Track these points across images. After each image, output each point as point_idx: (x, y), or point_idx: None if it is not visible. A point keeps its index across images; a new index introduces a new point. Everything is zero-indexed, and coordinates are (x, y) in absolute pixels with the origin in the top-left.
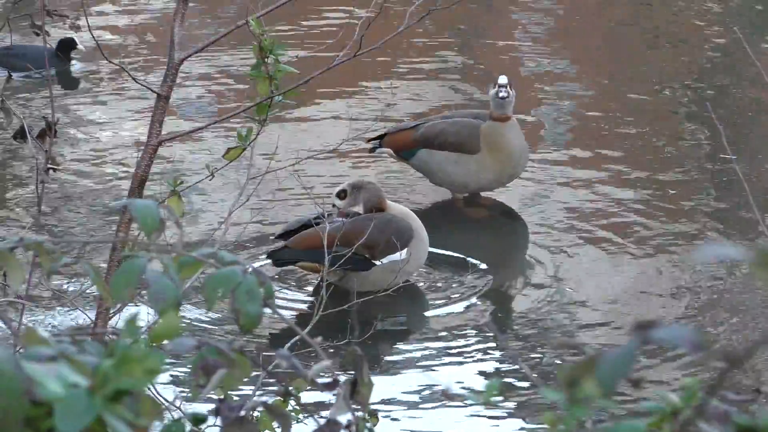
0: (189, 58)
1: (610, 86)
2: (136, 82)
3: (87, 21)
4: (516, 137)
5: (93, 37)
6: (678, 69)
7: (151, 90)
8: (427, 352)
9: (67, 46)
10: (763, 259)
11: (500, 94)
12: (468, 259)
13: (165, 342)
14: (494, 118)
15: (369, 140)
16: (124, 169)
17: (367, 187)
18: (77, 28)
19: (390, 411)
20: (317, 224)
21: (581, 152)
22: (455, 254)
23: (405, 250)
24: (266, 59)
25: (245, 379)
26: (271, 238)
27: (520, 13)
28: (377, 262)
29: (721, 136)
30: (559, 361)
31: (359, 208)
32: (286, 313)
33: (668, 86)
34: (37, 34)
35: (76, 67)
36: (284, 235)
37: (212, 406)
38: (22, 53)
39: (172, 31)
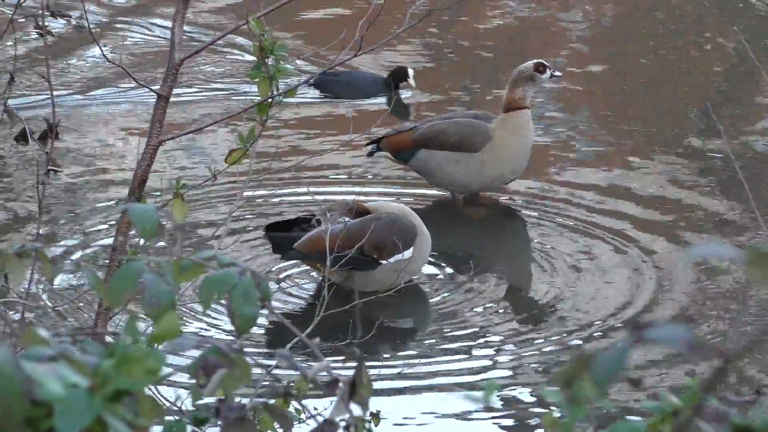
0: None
1: (610, 86)
2: (136, 81)
3: (87, 21)
4: (533, 126)
5: (93, 37)
6: (680, 68)
7: (151, 90)
8: (427, 353)
9: (400, 75)
10: (755, 258)
11: (556, 73)
12: (468, 259)
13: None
14: (519, 107)
15: (367, 144)
16: (124, 169)
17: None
18: (80, 28)
19: (390, 411)
20: (316, 223)
21: (581, 152)
22: (455, 254)
23: (411, 249)
24: (266, 59)
25: (245, 381)
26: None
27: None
28: (384, 262)
29: (722, 137)
30: (559, 361)
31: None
32: (288, 314)
33: (669, 87)
34: (41, 35)
35: (405, 94)
36: (273, 227)
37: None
38: (347, 80)
39: (173, 31)
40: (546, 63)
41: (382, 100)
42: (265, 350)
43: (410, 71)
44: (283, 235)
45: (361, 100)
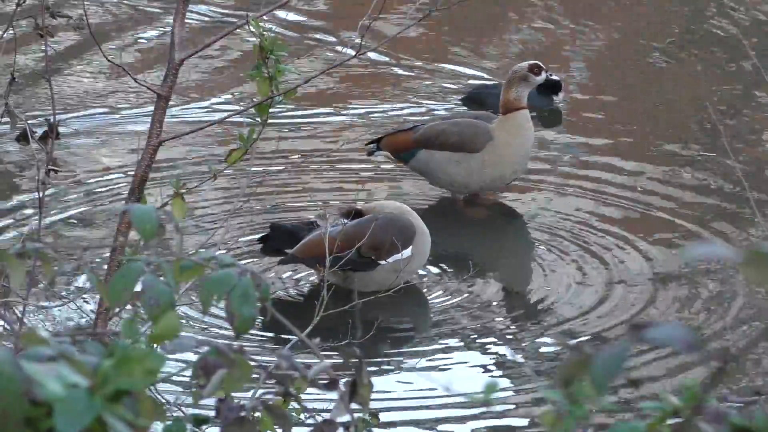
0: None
1: (609, 84)
2: (136, 82)
3: (87, 21)
4: (532, 126)
5: (93, 37)
6: (683, 70)
7: (151, 90)
8: (427, 353)
9: (554, 86)
10: (752, 258)
11: (553, 77)
12: (468, 259)
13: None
14: (515, 108)
15: (367, 143)
16: (125, 169)
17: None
18: (80, 28)
19: (391, 411)
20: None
21: (580, 151)
22: (455, 255)
23: (409, 249)
24: (266, 60)
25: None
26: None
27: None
28: (383, 262)
29: (722, 137)
30: (559, 361)
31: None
32: (287, 314)
33: (672, 86)
34: (41, 35)
35: (559, 103)
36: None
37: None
38: (496, 92)
39: (173, 31)
40: (542, 65)
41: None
42: (264, 350)
43: (562, 84)
44: (289, 229)
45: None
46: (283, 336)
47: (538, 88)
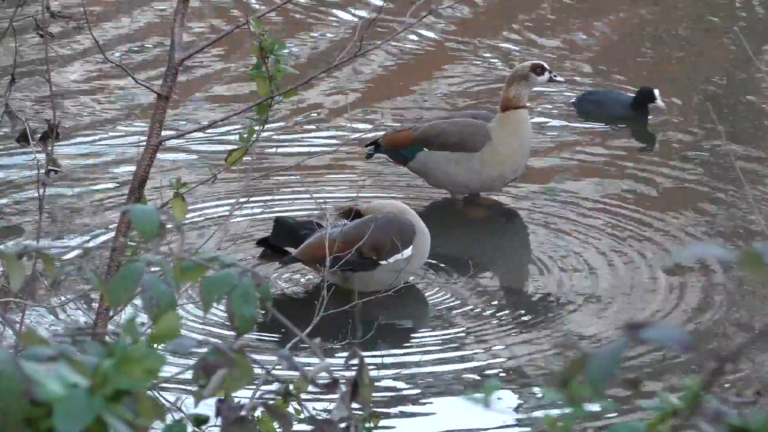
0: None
1: (609, 85)
2: (136, 81)
3: (87, 20)
4: (530, 126)
5: (93, 37)
6: (684, 69)
7: (151, 90)
8: (427, 353)
9: (646, 96)
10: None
11: (557, 78)
12: (468, 259)
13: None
14: (514, 107)
15: (366, 145)
16: (125, 169)
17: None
18: (80, 30)
19: (391, 411)
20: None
21: (580, 151)
22: (455, 255)
23: (409, 248)
24: (266, 59)
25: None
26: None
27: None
28: (383, 262)
29: (721, 136)
30: (558, 362)
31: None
32: (287, 315)
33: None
34: (41, 36)
35: (651, 119)
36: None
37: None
38: (595, 99)
39: (173, 31)
40: (545, 65)
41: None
42: (264, 349)
43: (656, 92)
44: (292, 225)
45: (607, 123)
46: (282, 336)
47: (633, 100)
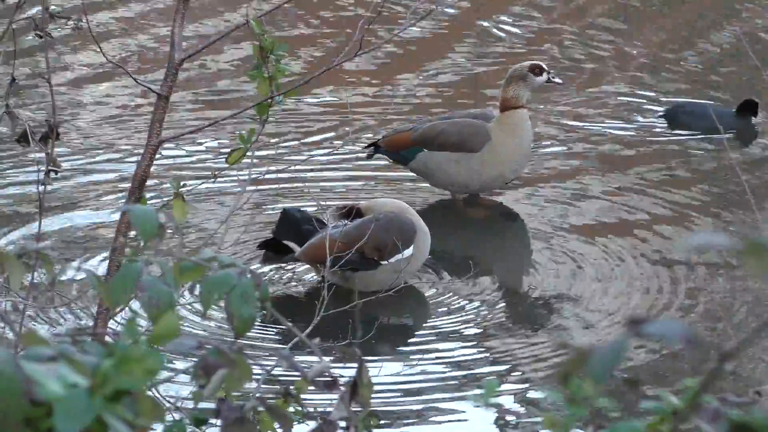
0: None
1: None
2: (136, 81)
3: (87, 20)
4: (530, 126)
5: (93, 37)
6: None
7: (151, 90)
8: (427, 352)
9: (749, 108)
10: (752, 248)
11: (556, 79)
12: (468, 259)
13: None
14: (513, 107)
15: (366, 146)
16: (125, 169)
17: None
18: (80, 29)
19: (391, 411)
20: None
21: (579, 151)
22: (455, 255)
23: (410, 248)
24: (266, 59)
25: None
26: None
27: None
28: (384, 262)
29: (721, 133)
30: (559, 362)
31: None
32: (287, 314)
33: (672, 81)
34: (40, 37)
35: (757, 125)
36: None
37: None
38: (690, 110)
39: (172, 31)
40: (543, 66)
41: (726, 130)
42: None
43: (758, 103)
44: (297, 219)
45: (705, 134)
46: (283, 336)
47: (737, 108)
